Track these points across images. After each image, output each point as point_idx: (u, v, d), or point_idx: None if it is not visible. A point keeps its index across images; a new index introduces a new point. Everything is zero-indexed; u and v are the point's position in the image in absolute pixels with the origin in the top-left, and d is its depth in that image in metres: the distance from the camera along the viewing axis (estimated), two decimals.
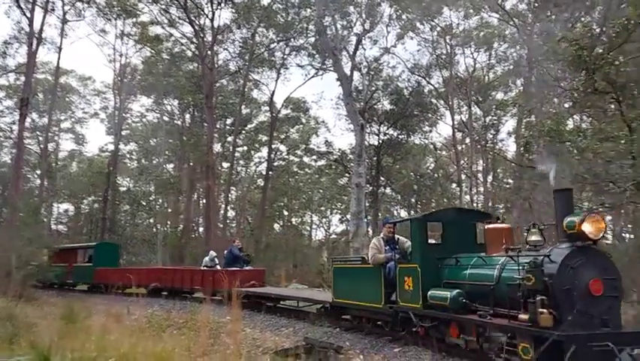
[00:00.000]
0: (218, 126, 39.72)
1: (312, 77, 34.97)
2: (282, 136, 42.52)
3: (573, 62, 10.70)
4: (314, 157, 44.39)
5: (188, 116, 42.71)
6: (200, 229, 40.26)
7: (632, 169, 9.81)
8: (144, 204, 46.28)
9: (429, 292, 7.61)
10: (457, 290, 7.17)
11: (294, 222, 49.46)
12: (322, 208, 51.47)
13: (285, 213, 50.17)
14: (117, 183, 42.37)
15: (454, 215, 8.50)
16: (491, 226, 7.58)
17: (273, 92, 37.06)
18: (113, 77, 41.83)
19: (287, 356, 8.74)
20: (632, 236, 18.72)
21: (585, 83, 10.76)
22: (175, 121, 43.08)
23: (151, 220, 48.49)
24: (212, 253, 18.64)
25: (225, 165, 42.94)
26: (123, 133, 43.84)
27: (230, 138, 39.88)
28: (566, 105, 13.64)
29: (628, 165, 9.96)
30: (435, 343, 7.62)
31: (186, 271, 18.27)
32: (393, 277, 8.71)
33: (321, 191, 48.43)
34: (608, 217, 23.98)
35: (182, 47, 35.41)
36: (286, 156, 46.68)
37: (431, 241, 8.59)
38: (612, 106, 11.57)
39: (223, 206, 38.74)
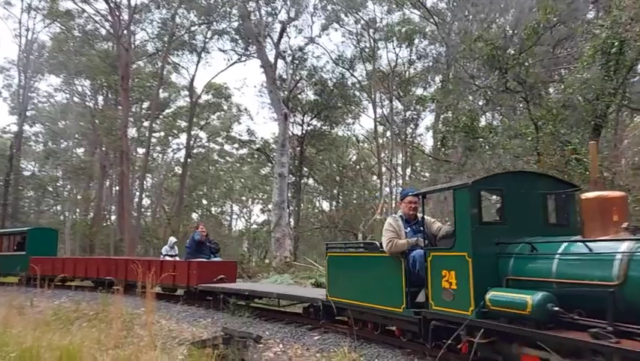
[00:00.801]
0: (133, 110, 38.12)
1: (235, 62, 34.37)
2: (202, 122, 41.55)
3: (488, 62, 11.22)
4: (235, 145, 43.85)
5: (101, 98, 40.60)
6: (113, 217, 38.53)
7: (537, 165, 10.48)
8: (51, 190, 43.57)
9: (489, 294, 5.10)
10: (544, 293, 4.64)
11: (213, 212, 48.65)
12: (243, 198, 51.00)
13: (204, 202, 49.22)
14: (20, 167, 39.48)
15: (517, 182, 5.90)
16: (594, 194, 4.97)
17: (194, 76, 36.18)
18: (18, 53, 38.77)
19: (204, 346, 8.54)
20: None
21: (498, 81, 11.33)
22: (87, 103, 40.75)
23: (58, 207, 45.78)
24: (172, 239, 16.09)
25: (141, 150, 41.36)
26: (28, 113, 40.82)
27: (146, 123, 38.39)
28: (480, 103, 14.33)
29: (534, 161, 10.63)
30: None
31: (142, 262, 15.26)
32: (420, 271, 6.28)
33: (242, 180, 47.94)
34: None
35: (95, 24, 33.49)
36: (206, 144, 45.80)
37: (485, 219, 5.91)
38: (521, 105, 12.29)
39: (138, 194, 37.33)
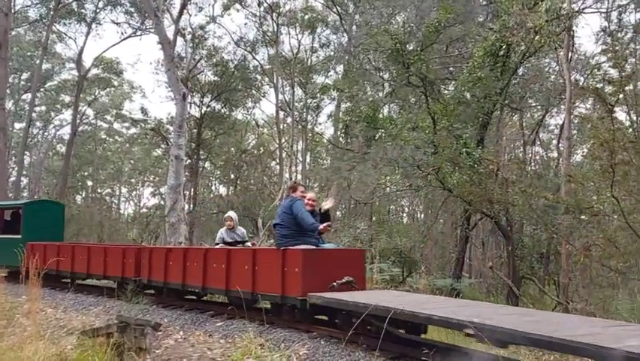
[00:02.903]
0: (11, 81, 34.71)
1: (129, 36, 32.42)
2: (90, 98, 38.95)
3: (392, 55, 11.64)
4: (126, 124, 41.72)
5: None
6: None
7: (434, 157, 11.11)
8: None
9: None
10: None
11: (100, 194, 46.01)
12: (133, 180, 48.79)
13: (90, 183, 46.41)
14: None
15: None
16: None
17: (82, 48, 33.45)
18: None
19: (97, 335, 8.12)
20: (423, 215, 21.35)
21: (400, 75, 11.81)
22: None
23: None
24: (232, 215, 9.75)
25: (18, 125, 37.90)
26: None
27: (26, 96, 35.17)
28: (381, 94, 14.85)
29: (430, 153, 11.25)
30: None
31: (192, 251, 9.77)
32: None
33: (132, 161, 45.81)
34: (404, 200, 26.99)
35: None
36: (93, 121, 43.09)
37: None
38: (420, 98, 12.93)
39: (14, 172, 34.23)
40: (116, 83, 39.51)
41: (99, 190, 46.73)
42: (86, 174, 44.74)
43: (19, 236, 14.17)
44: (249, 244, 9.73)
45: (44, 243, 13.26)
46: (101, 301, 10.73)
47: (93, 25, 32.74)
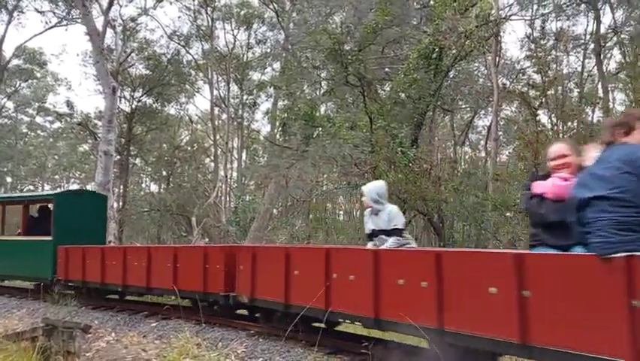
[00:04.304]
0: None
1: (54, 26, 30.70)
2: (10, 90, 36.70)
3: (330, 54, 11.75)
4: (50, 118, 39.66)
5: None
6: None
7: (371, 155, 11.33)
8: None
9: None
10: None
11: (21, 191, 43.57)
12: (57, 177, 46.51)
13: (9, 180, 43.83)
14: None
15: None
16: None
17: (3, 37, 31.38)
18: None
19: (21, 339, 7.71)
20: (359, 213, 21.74)
21: (339, 74, 11.95)
22: None
23: None
24: (380, 186, 5.50)
25: None
26: None
27: None
28: (318, 92, 14.95)
29: (368, 152, 11.47)
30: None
31: (343, 253, 5.57)
32: None
33: (56, 157, 43.65)
34: (340, 198, 27.35)
35: None
36: (13, 114, 40.66)
37: None
38: (358, 98, 13.14)
39: None
40: (38, 75, 37.46)
41: (20, 187, 44.17)
42: (5, 170, 42.30)
43: (50, 238, 11.08)
44: (409, 238, 5.47)
45: (83, 246, 10.21)
46: (24, 304, 10.18)
47: (15, 14, 30.79)
